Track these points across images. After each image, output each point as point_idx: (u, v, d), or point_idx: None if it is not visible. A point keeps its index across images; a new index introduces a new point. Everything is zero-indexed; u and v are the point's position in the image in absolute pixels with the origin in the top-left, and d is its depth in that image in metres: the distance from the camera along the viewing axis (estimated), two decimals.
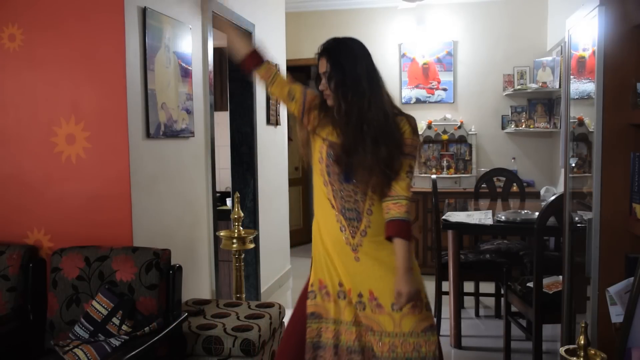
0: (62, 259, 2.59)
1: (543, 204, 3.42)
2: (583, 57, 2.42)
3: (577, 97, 2.49)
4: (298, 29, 6.06)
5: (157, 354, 2.44)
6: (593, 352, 1.60)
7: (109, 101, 2.70)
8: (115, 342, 2.34)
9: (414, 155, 1.97)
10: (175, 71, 3.12)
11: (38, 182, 2.80)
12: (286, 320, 2.50)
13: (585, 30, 2.32)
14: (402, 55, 5.97)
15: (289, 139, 5.56)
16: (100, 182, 2.74)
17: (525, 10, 5.73)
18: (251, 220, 4.39)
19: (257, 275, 4.47)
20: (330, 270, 2.02)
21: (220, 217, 4.06)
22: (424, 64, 5.94)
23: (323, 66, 1.96)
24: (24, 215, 2.82)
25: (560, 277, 2.78)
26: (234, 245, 3.48)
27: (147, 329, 2.39)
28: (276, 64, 4.49)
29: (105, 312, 2.42)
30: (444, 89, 5.94)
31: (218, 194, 4.23)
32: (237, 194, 3.64)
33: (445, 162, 5.81)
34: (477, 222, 3.62)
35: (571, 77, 2.53)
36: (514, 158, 5.77)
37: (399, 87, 5.97)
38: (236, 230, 3.51)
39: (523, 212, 3.76)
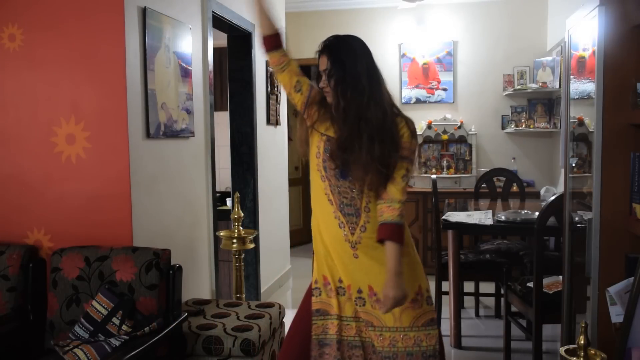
0: (62, 259, 2.59)
1: (543, 204, 3.42)
2: (583, 57, 2.42)
3: (577, 97, 2.49)
4: (298, 29, 6.06)
5: (157, 354, 2.44)
6: (593, 352, 1.60)
7: (109, 101, 2.70)
8: (115, 342, 2.34)
9: (412, 160, 1.96)
10: (175, 71, 3.12)
11: (38, 182, 2.80)
12: (286, 320, 2.50)
13: (585, 30, 2.32)
14: (402, 55, 5.97)
15: (289, 139, 5.56)
16: (100, 182, 2.74)
17: (525, 10, 5.73)
18: (251, 220, 4.39)
19: (257, 275, 4.47)
20: (331, 266, 2.02)
21: (220, 217, 4.06)
22: (424, 64, 5.94)
23: (323, 63, 1.96)
24: (24, 215, 2.83)
25: (560, 277, 2.78)
26: (234, 245, 3.48)
27: (147, 329, 2.39)
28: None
29: (105, 312, 2.42)
30: (444, 89, 5.93)
31: (218, 194, 4.23)
32: (237, 194, 3.65)
33: (445, 162, 5.81)
34: (477, 222, 3.62)
35: (571, 77, 2.53)
36: (514, 158, 5.77)
37: (399, 87, 5.97)
38: (236, 230, 3.51)
39: (523, 212, 3.76)
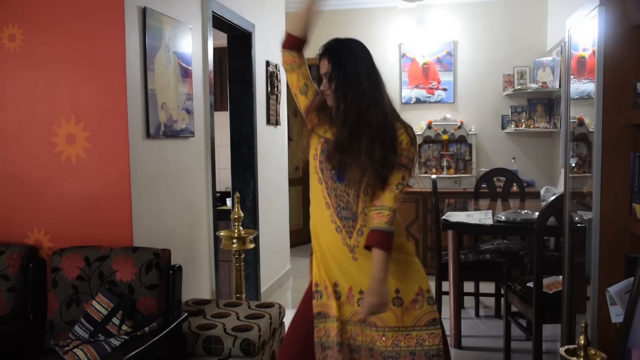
0: (62, 259, 2.59)
1: (543, 204, 3.42)
2: (583, 57, 2.42)
3: (577, 97, 2.49)
4: None
5: (157, 354, 2.44)
6: (593, 352, 1.60)
7: (109, 101, 2.70)
8: (115, 342, 2.34)
9: (409, 168, 1.94)
10: (175, 71, 3.12)
11: (38, 182, 2.80)
12: (286, 320, 2.50)
13: (585, 30, 2.32)
14: (402, 55, 5.98)
15: (289, 139, 5.56)
16: (100, 182, 2.74)
17: (525, 10, 5.74)
18: (251, 220, 4.39)
19: (257, 275, 4.47)
20: (328, 269, 2.02)
21: (220, 217, 4.06)
22: (424, 64, 5.94)
23: (324, 67, 1.96)
24: (24, 215, 2.83)
25: (560, 277, 2.78)
26: (234, 245, 3.48)
27: (147, 329, 2.39)
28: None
29: (105, 312, 2.42)
30: (444, 89, 5.94)
31: (218, 194, 4.23)
32: (237, 194, 3.65)
33: (445, 162, 5.81)
34: (477, 222, 3.62)
35: (571, 77, 2.53)
36: (514, 158, 5.77)
37: (399, 87, 5.97)
38: (236, 230, 3.51)
39: (523, 212, 3.76)
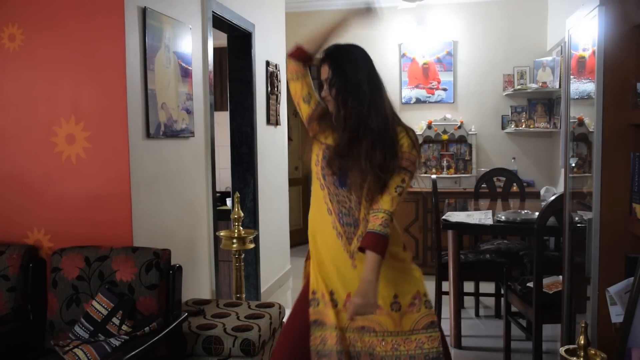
0: (62, 259, 2.59)
1: (543, 204, 3.42)
2: (583, 57, 2.42)
3: (577, 97, 2.49)
4: (298, 29, 6.05)
5: (157, 354, 2.44)
6: (593, 352, 1.60)
7: (109, 101, 2.70)
8: (115, 342, 2.34)
9: (410, 171, 1.92)
10: (175, 71, 3.12)
11: (38, 182, 2.80)
12: (286, 320, 2.49)
13: (585, 30, 2.32)
14: (402, 55, 5.98)
15: (289, 139, 5.56)
16: (100, 182, 2.74)
17: (525, 10, 5.73)
18: (251, 220, 4.39)
19: (257, 275, 4.47)
20: (325, 277, 2.02)
21: (220, 217, 4.06)
22: (424, 64, 5.94)
23: (325, 72, 1.97)
24: (24, 215, 2.83)
25: (560, 277, 2.78)
26: (234, 245, 3.48)
27: (147, 329, 2.39)
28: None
29: (105, 312, 2.42)
30: (444, 89, 5.94)
31: (218, 194, 4.23)
32: (237, 194, 3.65)
33: (445, 162, 5.81)
34: (477, 222, 3.62)
35: (571, 77, 2.53)
36: (514, 158, 5.77)
37: (399, 87, 5.97)
38: (236, 230, 3.51)
39: (523, 212, 3.76)
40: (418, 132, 5.80)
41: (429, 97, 5.95)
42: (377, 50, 5.99)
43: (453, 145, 5.88)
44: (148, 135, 2.86)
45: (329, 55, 1.98)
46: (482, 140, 5.88)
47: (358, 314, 1.86)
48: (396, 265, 2.00)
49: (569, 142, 2.54)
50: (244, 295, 3.53)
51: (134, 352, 2.19)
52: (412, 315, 1.98)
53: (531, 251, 3.75)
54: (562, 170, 3.28)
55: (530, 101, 5.67)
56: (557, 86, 5.17)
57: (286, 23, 5.42)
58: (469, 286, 4.36)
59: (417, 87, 5.97)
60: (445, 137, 5.84)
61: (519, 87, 5.58)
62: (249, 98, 4.40)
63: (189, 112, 3.30)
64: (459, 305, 3.76)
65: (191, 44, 3.32)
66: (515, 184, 4.72)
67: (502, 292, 3.54)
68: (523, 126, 5.66)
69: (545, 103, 5.60)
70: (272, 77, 4.85)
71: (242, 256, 3.56)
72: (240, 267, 3.54)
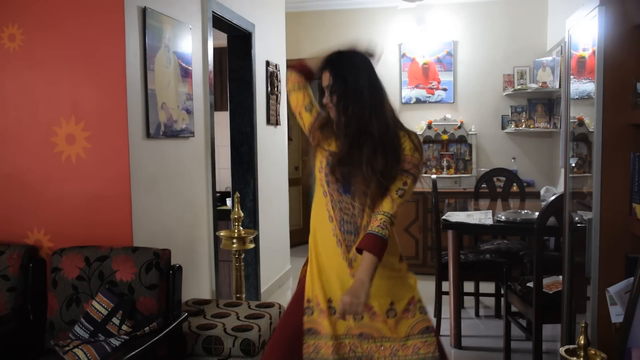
0: (62, 259, 2.59)
1: (543, 204, 3.42)
2: (583, 57, 2.42)
3: (577, 97, 2.49)
4: (298, 29, 6.06)
5: (157, 354, 2.44)
6: (593, 352, 1.60)
7: (109, 101, 2.70)
8: (115, 342, 2.34)
9: (412, 174, 1.92)
10: (175, 71, 3.12)
11: (38, 182, 2.80)
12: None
13: (585, 30, 2.32)
14: (402, 55, 5.98)
15: (289, 139, 5.56)
16: (100, 182, 2.74)
17: (525, 10, 5.74)
18: (251, 220, 4.39)
19: (257, 275, 4.47)
20: (324, 285, 2.01)
21: (220, 217, 4.06)
22: (424, 64, 5.94)
23: (326, 79, 1.97)
24: (24, 215, 2.83)
25: (560, 277, 2.78)
26: (234, 245, 3.48)
27: (147, 329, 2.39)
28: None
29: (105, 312, 2.42)
30: (444, 89, 5.94)
31: (218, 194, 4.23)
32: (237, 194, 3.65)
33: (445, 162, 5.81)
34: (477, 222, 3.62)
35: (571, 77, 2.53)
36: (514, 158, 5.77)
37: (399, 87, 5.97)
38: (236, 230, 3.51)
39: (523, 212, 3.76)
40: (418, 132, 5.80)
41: (429, 97, 5.95)
42: (377, 50, 5.98)
43: (453, 145, 5.88)
44: (148, 135, 2.86)
45: (330, 61, 1.98)
46: (482, 140, 5.88)
47: (346, 312, 1.84)
48: (392, 275, 2.00)
49: (569, 142, 2.54)
50: (244, 295, 3.53)
51: (134, 352, 2.19)
52: (408, 321, 1.98)
53: (531, 251, 3.75)
54: (562, 170, 3.28)
55: (530, 101, 5.68)
56: (557, 86, 5.17)
57: (286, 23, 5.42)
58: (469, 286, 4.36)
59: (417, 87, 5.97)
60: (445, 137, 5.84)
61: (519, 87, 5.58)
62: (249, 98, 4.40)
63: (189, 112, 3.30)
64: (459, 305, 3.76)
65: (191, 44, 3.32)
66: (515, 184, 4.72)
67: (502, 292, 3.54)
68: (523, 126, 5.66)
69: (545, 103, 5.60)
70: (272, 77, 4.85)
71: (242, 256, 3.56)
72: (240, 267, 3.54)
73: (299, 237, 6.58)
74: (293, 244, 5.77)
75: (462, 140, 5.85)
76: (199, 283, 3.48)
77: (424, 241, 5.50)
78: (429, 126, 5.84)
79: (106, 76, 2.70)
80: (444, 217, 3.77)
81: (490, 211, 4.00)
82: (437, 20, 5.90)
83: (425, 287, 4.97)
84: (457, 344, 3.72)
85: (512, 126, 5.71)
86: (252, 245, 3.57)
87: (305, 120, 2.10)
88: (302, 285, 2.10)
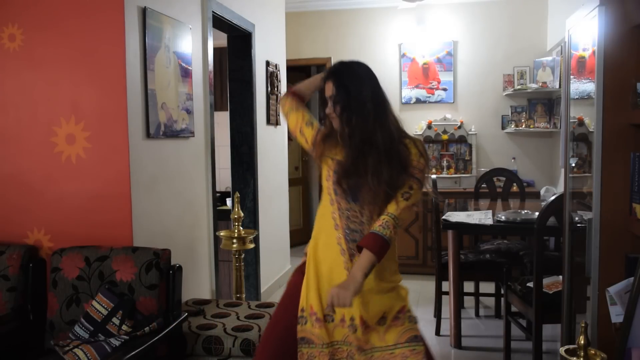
0: (62, 259, 2.59)
1: (543, 204, 3.42)
2: (583, 57, 2.42)
3: (577, 97, 2.49)
4: (298, 29, 6.06)
5: (157, 354, 2.44)
6: (593, 352, 1.60)
7: (109, 101, 2.70)
8: (115, 342, 2.34)
9: (417, 179, 1.93)
10: (175, 71, 3.12)
11: (38, 182, 2.80)
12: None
13: (585, 30, 2.32)
14: (402, 55, 5.97)
15: (289, 139, 5.56)
16: (100, 182, 2.74)
17: (525, 10, 5.74)
18: (251, 220, 4.39)
19: (257, 275, 4.47)
20: (321, 295, 2.00)
21: (220, 217, 4.06)
22: (424, 64, 5.94)
23: (329, 90, 1.97)
24: (24, 215, 2.83)
25: (560, 277, 2.78)
26: (234, 245, 3.48)
27: (147, 329, 2.39)
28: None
29: (105, 312, 2.42)
30: (444, 89, 5.94)
31: (218, 194, 4.23)
32: (237, 194, 3.65)
33: (445, 162, 5.81)
34: (477, 222, 3.62)
35: (571, 77, 2.53)
36: (514, 158, 5.77)
37: (399, 87, 5.97)
38: (236, 230, 3.51)
39: (523, 212, 3.76)
40: (418, 132, 5.80)
41: (429, 97, 5.95)
42: (377, 50, 6.00)
43: (453, 145, 5.88)
44: (148, 135, 2.86)
45: (334, 72, 1.99)
46: (482, 140, 5.88)
47: (334, 304, 1.83)
48: (387, 287, 2.01)
49: (569, 142, 2.54)
50: (244, 295, 3.53)
51: (134, 352, 2.19)
52: (397, 329, 1.97)
53: (531, 251, 3.75)
54: (562, 170, 3.28)
55: (530, 101, 5.68)
56: (557, 86, 5.17)
57: (286, 23, 5.42)
58: (469, 286, 4.36)
59: (417, 87, 5.97)
60: (445, 137, 5.84)
61: (519, 87, 5.58)
62: (249, 98, 4.40)
63: (189, 112, 3.30)
64: (459, 305, 3.76)
65: (191, 44, 3.32)
66: (515, 184, 4.73)
67: (502, 292, 3.54)
68: (523, 126, 5.66)
69: (545, 103, 5.60)
70: (272, 77, 4.85)
71: (242, 256, 3.56)
72: (240, 267, 3.54)
73: (299, 237, 6.58)
74: (293, 244, 5.77)
75: (462, 140, 5.85)
76: (199, 283, 3.48)
77: (424, 241, 5.50)
78: (429, 126, 5.85)
79: (106, 76, 2.70)
80: (444, 217, 3.77)
81: (490, 211, 4.00)
82: (437, 20, 5.90)
83: (425, 287, 5.01)
84: (457, 344, 3.72)
85: (512, 126, 5.71)
86: (252, 245, 3.57)
87: (308, 134, 2.11)
88: (290, 291, 2.09)
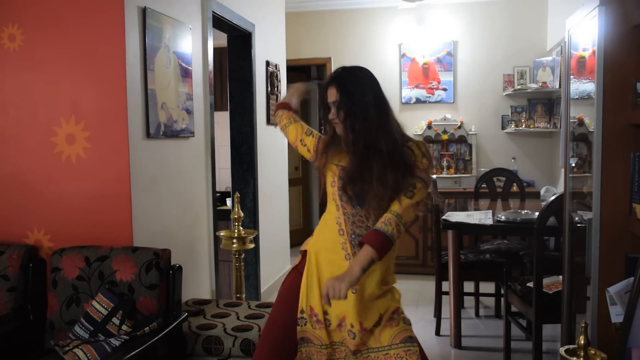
0: (62, 259, 2.59)
1: (543, 204, 3.42)
2: (583, 57, 2.42)
3: (577, 97, 2.49)
4: (298, 29, 6.06)
5: (157, 354, 2.44)
6: (593, 352, 1.60)
7: (109, 101, 2.70)
8: (115, 342, 2.34)
9: (422, 178, 1.94)
10: (175, 71, 3.12)
11: (38, 182, 2.80)
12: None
13: (585, 30, 2.32)
14: (402, 55, 5.97)
15: None
16: (100, 182, 2.74)
17: (525, 10, 5.74)
18: (251, 220, 4.39)
19: (257, 275, 4.47)
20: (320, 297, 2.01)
21: (220, 217, 4.06)
22: (424, 64, 5.94)
23: (332, 95, 1.97)
24: (24, 215, 2.83)
25: (560, 277, 2.78)
26: (234, 245, 3.48)
27: (147, 329, 2.39)
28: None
29: (105, 312, 2.42)
30: (444, 89, 5.94)
31: (218, 194, 4.23)
32: (237, 194, 3.65)
33: (445, 162, 5.81)
34: (477, 222, 3.62)
35: (571, 77, 2.53)
36: (514, 158, 5.77)
37: (399, 87, 5.97)
38: (236, 230, 3.51)
39: (523, 212, 3.76)
40: (418, 132, 5.81)
41: (429, 97, 5.95)
42: (377, 50, 6.00)
43: (453, 145, 5.88)
44: (148, 135, 2.86)
45: (336, 78, 1.99)
46: (482, 140, 5.88)
47: (328, 293, 1.82)
48: (385, 289, 2.02)
49: (569, 142, 2.54)
50: (244, 295, 3.53)
51: (134, 352, 2.19)
52: (391, 329, 1.98)
53: (531, 251, 3.75)
54: (562, 170, 3.28)
55: (530, 101, 5.68)
56: (557, 86, 5.17)
57: (286, 23, 5.42)
58: (469, 286, 4.36)
59: (417, 87, 5.97)
60: (445, 137, 5.84)
61: (519, 87, 5.58)
62: (249, 98, 4.40)
63: (189, 112, 3.30)
64: (459, 305, 3.76)
65: (191, 44, 3.32)
66: (515, 184, 4.73)
67: (502, 292, 3.54)
68: (523, 126, 5.66)
69: (545, 103, 5.60)
70: (272, 77, 4.85)
71: (242, 256, 3.56)
72: (240, 267, 3.54)
73: (299, 237, 6.57)
74: (293, 244, 5.77)
75: (462, 140, 5.85)
76: (199, 283, 3.48)
77: (424, 241, 5.50)
78: (429, 126, 5.85)
79: (106, 76, 2.70)
80: (444, 217, 3.77)
81: (490, 211, 4.00)
82: (437, 20, 5.90)
83: (425, 287, 5.01)
84: (457, 344, 3.72)
85: (512, 126, 5.71)
86: (252, 245, 3.57)
87: (309, 144, 2.12)
88: (286, 290, 2.09)
